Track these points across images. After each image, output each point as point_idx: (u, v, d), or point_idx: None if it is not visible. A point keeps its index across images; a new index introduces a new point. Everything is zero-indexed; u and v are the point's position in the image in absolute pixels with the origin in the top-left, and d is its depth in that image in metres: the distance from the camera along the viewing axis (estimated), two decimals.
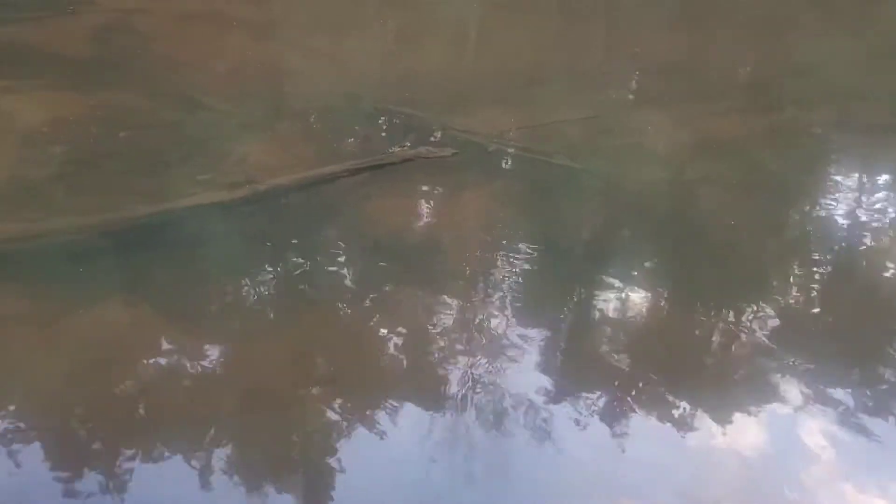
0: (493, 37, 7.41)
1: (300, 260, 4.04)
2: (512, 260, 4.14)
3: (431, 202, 4.64)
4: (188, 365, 3.33)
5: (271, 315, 3.69)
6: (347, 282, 3.92)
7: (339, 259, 4.06)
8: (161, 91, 5.48)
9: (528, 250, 4.20)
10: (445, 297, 3.82)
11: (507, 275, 4.03)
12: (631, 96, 6.37)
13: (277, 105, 5.58)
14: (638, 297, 3.95)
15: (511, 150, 5.12)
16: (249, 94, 5.61)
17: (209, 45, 6.47)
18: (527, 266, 4.11)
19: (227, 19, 6.94)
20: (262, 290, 3.83)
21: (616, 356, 3.58)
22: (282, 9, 7.59)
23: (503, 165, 5.06)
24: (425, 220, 4.48)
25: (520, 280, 4.00)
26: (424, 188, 4.72)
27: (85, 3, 6.89)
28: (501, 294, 3.89)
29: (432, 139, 5.13)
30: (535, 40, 7.26)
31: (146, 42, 6.28)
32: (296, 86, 5.96)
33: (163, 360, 3.34)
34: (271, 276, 3.92)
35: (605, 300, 3.89)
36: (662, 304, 3.95)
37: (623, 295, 3.94)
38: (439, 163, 4.87)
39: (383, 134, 5.32)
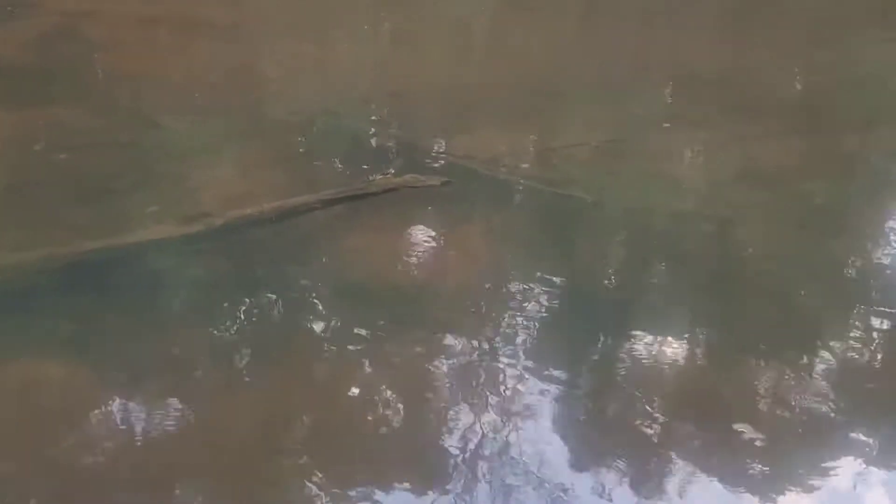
0: (501, 42, 7.48)
1: (266, 307, 4.09)
2: (516, 307, 4.18)
3: (421, 240, 4.67)
4: (134, 429, 3.38)
5: (233, 372, 3.70)
6: (323, 333, 3.94)
7: (312, 306, 4.09)
8: (110, 107, 5.59)
9: (536, 296, 4.24)
10: (438, 351, 3.86)
11: (512, 324, 4.06)
12: (661, 116, 6.34)
13: (244, 124, 5.67)
14: (668, 351, 3.99)
15: (516, 179, 5.18)
16: (212, 111, 5.71)
17: (168, 53, 6.59)
18: (534, 315, 4.14)
19: (190, 24, 7.06)
20: (221, 342, 3.85)
21: (645, 417, 3.59)
22: (255, 10, 7.68)
23: (506, 197, 5.10)
24: (414, 260, 4.51)
25: (527, 330, 4.04)
26: (412, 223, 4.76)
27: (25, 5, 7.03)
28: (507, 347, 3.92)
29: (425, 165, 5.20)
30: (550, 47, 7.32)
31: (95, 50, 6.42)
32: (267, 101, 6.06)
33: (106, 422, 3.38)
34: (233, 325, 3.95)
35: (629, 354, 3.93)
36: (696, 359, 3.99)
37: (651, 348, 3.98)
38: (430, 193, 4.92)
39: (365, 158, 5.35)
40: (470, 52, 7.46)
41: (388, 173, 5.08)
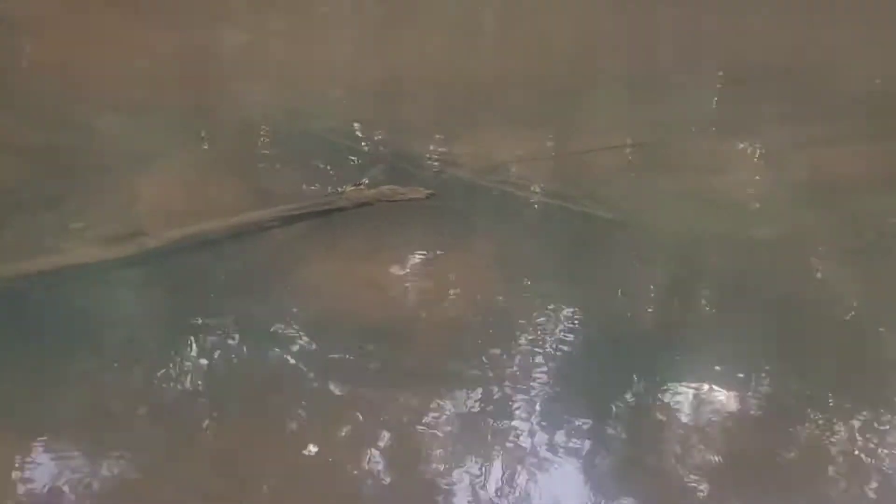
0: (513, 26, 7.50)
1: (214, 350, 4.05)
2: (527, 350, 4.17)
3: (403, 267, 4.66)
4: (59, 499, 3.32)
5: (169, 430, 3.67)
6: (284, 384, 3.93)
7: (269, 350, 4.07)
8: (27, 105, 5.57)
9: (550, 336, 4.24)
10: (429, 406, 3.84)
11: (523, 371, 4.05)
12: (707, 117, 6.36)
13: (190, 124, 5.66)
14: (715, 401, 3.97)
15: (523, 193, 5.18)
16: (152, 109, 5.70)
17: (102, 39, 6.56)
18: (549, 359, 4.14)
19: (130, 3, 7.09)
20: (159, 392, 3.83)
21: (687, 483, 3.60)
22: None
23: (511, 215, 5.09)
24: (395, 293, 4.50)
25: (541, 378, 4.03)
26: (393, 247, 4.75)
27: None
28: (517, 398, 3.90)
29: (409, 173, 5.17)
30: (573, 32, 7.34)
31: (11, 37, 6.40)
32: (219, 97, 6.07)
33: (12, 487, 3.35)
34: (173, 372, 3.93)
35: (666, 404, 3.92)
36: (749, 411, 3.95)
37: (694, 397, 3.97)
38: (413, 209, 4.91)
39: (335, 166, 5.37)
40: (474, 38, 7.47)
41: (360, 184, 5.02)
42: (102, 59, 6.30)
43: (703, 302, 4.62)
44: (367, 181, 5.06)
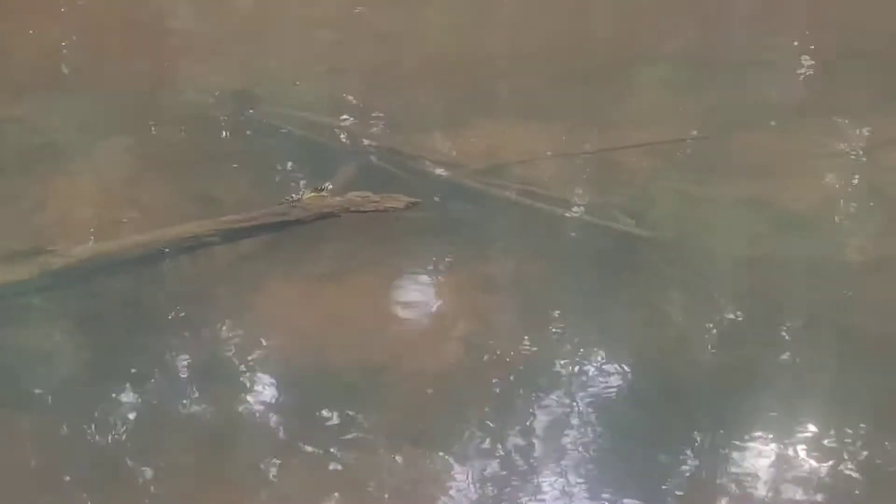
0: None
1: (135, 400, 4.06)
2: (546, 402, 4.15)
3: (376, 294, 4.67)
4: None
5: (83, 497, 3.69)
6: (221, 441, 3.91)
7: (206, 400, 4.09)
8: None
9: (575, 383, 4.24)
10: (405, 475, 3.82)
11: (542, 429, 4.04)
12: (774, 105, 6.30)
13: (114, 112, 5.68)
14: (791, 463, 3.94)
15: (533, 201, 5.16)
16: (66, 93, 5.76)
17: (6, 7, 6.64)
18: (576, 413, 4.11)
19: None
20: (68, 447, 3.84)
21: None
22: None
23: (519, 230, 5.09)
24: (366, 326, 4.48)
25: (569, 439, 4.00)
26: (362, 269, 4.74)
27: None
28: (536, 466, 3.89)
29: (388, 176, 5.15)
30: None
31: None
32: (154, 78, 6.08)
33: None
34: (83, 425, 3.93)
35: (734, 469, 3.89)
36: (836, 479, 3.90)
37: (763, 460, 3.94)
38: (389, 222, 4.91)
39: (294, 166, 5.38)
40: (482, 8, 7.47)
41: (322, 188, 5.03)
42: (9, 28, 6.38)
43: (777, 342, 4.55)
44: (330, 185, 5.05)
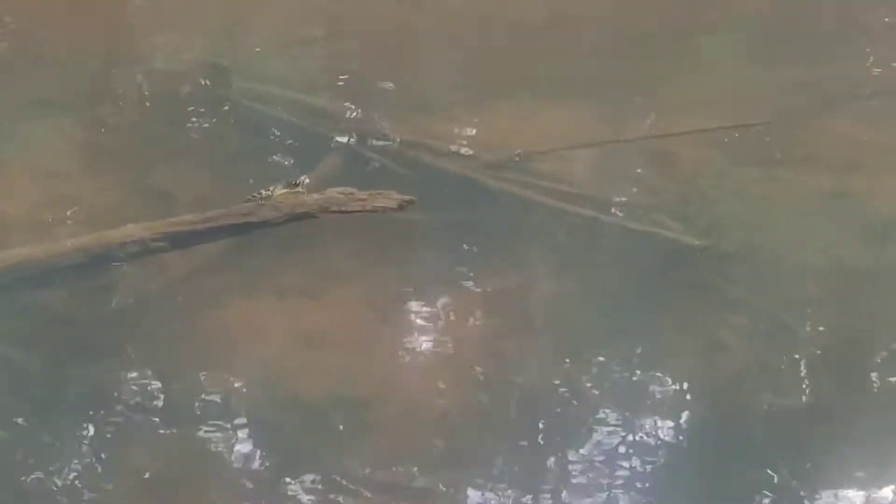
0: None
1: (72, 436, 4.10)
2: (578, 443, 4.21)
3: (360, 312, 4.68)
4: None
5: None
6: (176, 483, 3.98)
7: (154, 436, 4.16)
8: None
9: (615, 424, 4.30)
10: None
11: (570, 478, 4.10)
12: (861, 82, 6.36)
13: (56, 86, 5.75)
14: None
15: (557, 202, 5.20)
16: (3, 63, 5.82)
17: None
18: (617, 460, 4.16)
19: None
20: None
21: None
22: None
23: (527, 235, 5.12)
24: (347, 350, 4.53)
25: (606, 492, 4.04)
26: (343, 282, 4.76)
27: None
28: None
29: (381, 168, 5.22)
30: None
31: None
32: (105, 48, 6.15)
33: None
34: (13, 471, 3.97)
35: None
36: None
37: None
38: (378, 223, 4.93)
39: (266, 155, 5.43)
40: None
41: (297, 183, 5.06)
42: None
43: (864, 380, 4.62)
44: (307, 180, 5.07)
